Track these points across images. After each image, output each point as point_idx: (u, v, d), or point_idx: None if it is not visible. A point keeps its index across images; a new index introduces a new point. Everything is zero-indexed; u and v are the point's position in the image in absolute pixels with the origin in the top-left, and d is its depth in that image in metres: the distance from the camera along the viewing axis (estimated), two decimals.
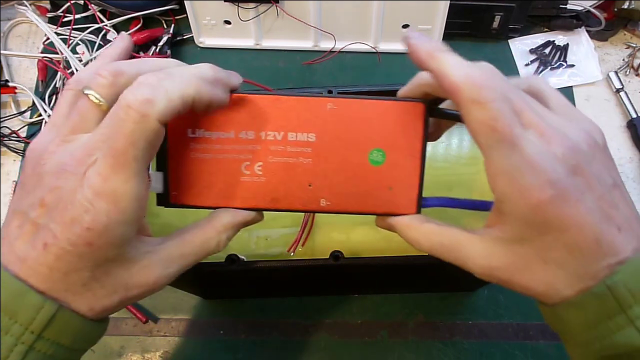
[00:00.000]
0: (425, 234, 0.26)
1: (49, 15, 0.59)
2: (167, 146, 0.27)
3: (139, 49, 0.57)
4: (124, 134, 0.21)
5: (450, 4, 0.52)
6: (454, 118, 0.27)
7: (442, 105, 0.28)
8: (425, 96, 0.27)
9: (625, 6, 0.56)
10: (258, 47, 0.58)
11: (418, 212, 0.28)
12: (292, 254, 0.36)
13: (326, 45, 0.57)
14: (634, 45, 0.57)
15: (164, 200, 0.28)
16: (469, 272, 0.25)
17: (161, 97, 0.22)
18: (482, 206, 0.28)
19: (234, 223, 0.27)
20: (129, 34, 0.57)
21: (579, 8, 0.56)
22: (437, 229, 0.26)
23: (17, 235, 0.23)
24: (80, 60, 0.53)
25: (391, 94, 0.40)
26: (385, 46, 0.57)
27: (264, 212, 0.29)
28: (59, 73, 0.55)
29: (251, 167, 0.27)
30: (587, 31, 0.58)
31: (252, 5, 0.53)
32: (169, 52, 0.56)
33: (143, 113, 0.21)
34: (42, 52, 0.57)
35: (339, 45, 0.56)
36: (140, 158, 0.22)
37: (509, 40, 0.58)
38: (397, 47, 0.57)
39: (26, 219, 0.23)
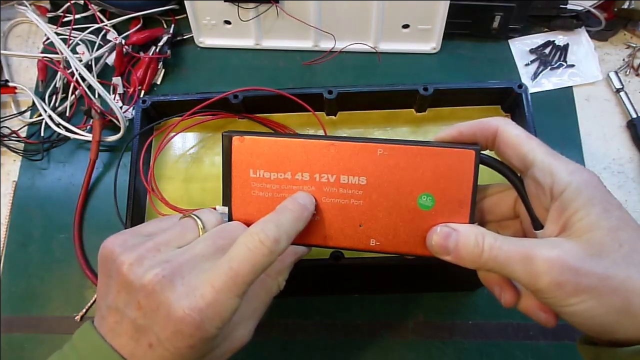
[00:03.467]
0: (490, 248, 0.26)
1: (49, 15, 0.59)
2: (232, 183, 0.29)
3: (139, 49, 0.57)
4: (253, 263, 0.25)
5: (450, 4, 0.52)
6: (493, 166, 0.29)
7: None
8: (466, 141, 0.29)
9: (625, 6, 0.56)
10: (258, 47, 0.58)
11: None
12: None
13: (326, 45, 0.57)
14: (634, 45, 0.57)
15: None
16: (534, 284, 0.24)
17: (284, 237, 0.26)
18: None
19: (285, 266, 0.30)
20: (129, 33, 0.57)
21: (579, 8, 0.56)
22: (503, 242, 0.26)
23: (118, 331, 0.25)
24: (80, 60, 0.53)
25: (391, 94, 0.41)
26: (385, 46, 0.57)
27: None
28: (59, 73, 0.55)
29: None
30: (587, 31, 0.58)
31: (252, 5, 0.53)
32: (168, 52, 0.56)
33: (272, 250, 0.25)
34: (42, 52, 0.57)
35: (339, 46, 0.56)
36: (252, 283, 0.25)
37: (509, 40, 0.58)
38: (397, 47, 0.57)
39: (123, 316, 0.25)
